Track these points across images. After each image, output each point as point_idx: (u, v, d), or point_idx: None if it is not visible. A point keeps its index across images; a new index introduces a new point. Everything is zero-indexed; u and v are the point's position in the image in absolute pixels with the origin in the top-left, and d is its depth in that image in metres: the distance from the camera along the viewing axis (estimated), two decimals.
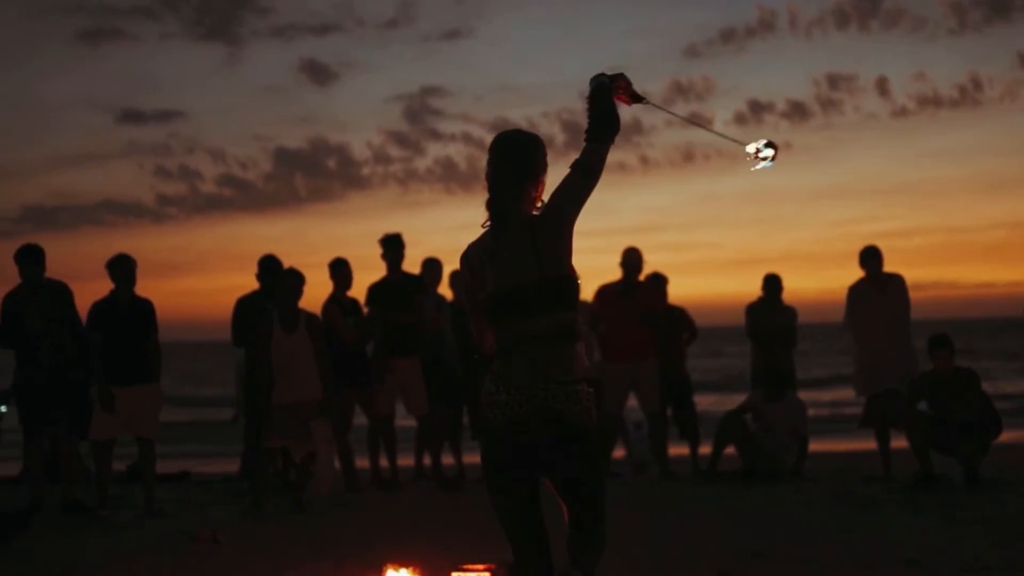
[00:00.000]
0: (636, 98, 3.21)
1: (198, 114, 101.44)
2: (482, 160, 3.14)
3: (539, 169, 3.10)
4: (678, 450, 9.74)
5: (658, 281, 9.14)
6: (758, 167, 3.33)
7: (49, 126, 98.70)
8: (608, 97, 3.09)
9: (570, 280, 3.01)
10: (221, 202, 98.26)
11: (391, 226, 8.79)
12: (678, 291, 9.46)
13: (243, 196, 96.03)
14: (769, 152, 3.30)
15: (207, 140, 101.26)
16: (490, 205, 3.06)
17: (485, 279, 3.05)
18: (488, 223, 3.09)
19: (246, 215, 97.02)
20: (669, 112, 3.38)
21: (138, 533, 6.60)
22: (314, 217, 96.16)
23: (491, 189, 3.07)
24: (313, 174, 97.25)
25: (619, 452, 9.93)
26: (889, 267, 8.55)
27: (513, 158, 3.07)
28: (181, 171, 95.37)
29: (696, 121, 3.40)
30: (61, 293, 7.41)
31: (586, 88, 3.11)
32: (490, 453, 3.08)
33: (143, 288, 7.58)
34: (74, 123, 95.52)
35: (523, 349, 2.99)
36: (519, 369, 2.99)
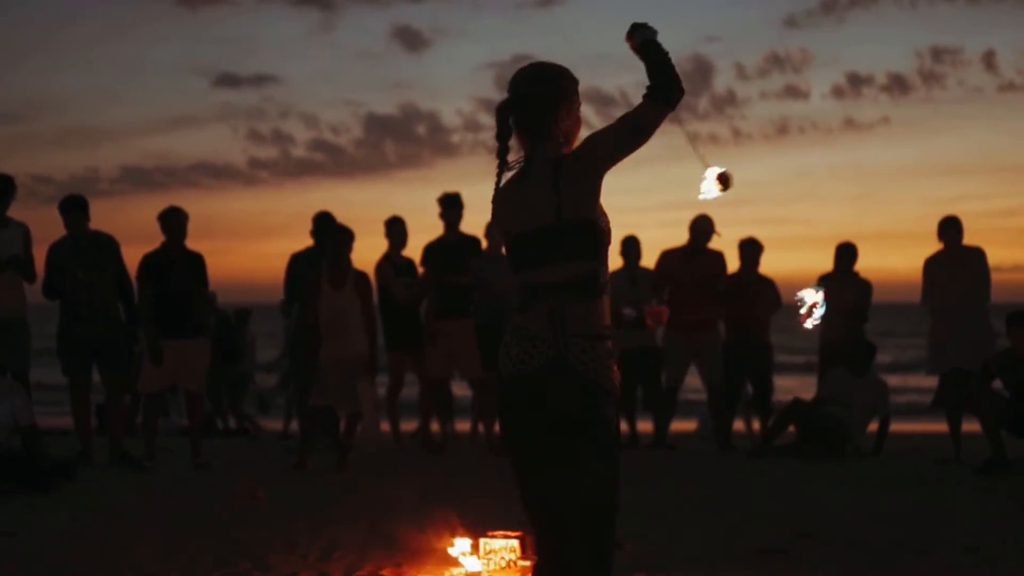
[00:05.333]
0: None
1: (292, 79, 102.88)
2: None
3: (558, 100, 2.82)
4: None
5: (750, 248, 8.76)
6: (707, 195, 2.90)
7: (147, 89, 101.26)
8: (662, 50, 2.73)
9: (593, 226, 2.74)
10: (312, 166, 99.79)
11: (480, 194, 8.52)
12: (768, 266, 9.18)
13: (333, 161, 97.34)
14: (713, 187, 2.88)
15: (300, 105, 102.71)
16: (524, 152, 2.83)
17: (504, 224, 2.85)
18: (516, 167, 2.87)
19: (336, 180, 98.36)
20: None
21: (181, 487, 6.63)
22: (402, 184, 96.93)
23: (518, 135, 2.84)
24: (403, 140, 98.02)
25: (677, 425, 9.70)
26: (989, 248, 8.10)
27: (528, 98, 2.82)
28: (273, 135, 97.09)
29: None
30: (106, 245, 7.38)
31: (679, 57, 2.78)
32: (501, 411, 2.86)
33: (235, 248, 7.59)
34: (171, 86, 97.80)
35: (540, 298, 2.75)
36: (536, 320, 2.75)
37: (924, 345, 8.50)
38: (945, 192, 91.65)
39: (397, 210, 8.45)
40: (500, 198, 2.87)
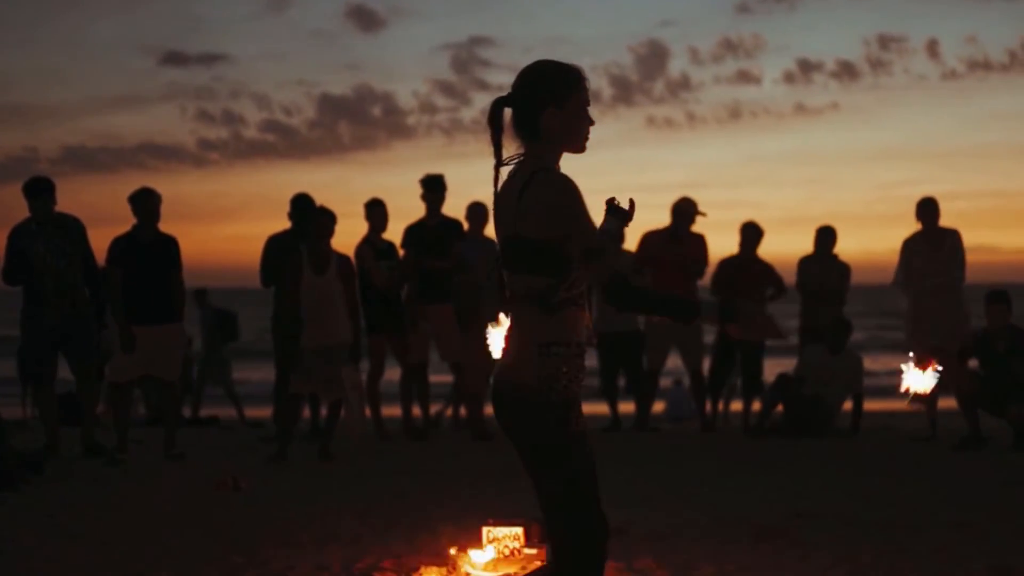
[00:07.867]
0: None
1: (243, 58, 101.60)
2: None
3: (546, 100, 2.73)
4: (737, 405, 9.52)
5: (750, 231, 8.72)
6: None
7: (91, 67, 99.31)
8: (675, 306, 2.74)
9: (551, 246, 2.67)
10: (264, 148, 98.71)
11: None
12: (720, 249, 9.22)
13: (286, 142, 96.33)
14: None
15: (251, 85, 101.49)
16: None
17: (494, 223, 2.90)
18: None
19: (289, 162, 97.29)
20: None
21: (156, 478, 6.43)
22: (357, 166, 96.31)
23: (511, 132, 2.82)
24: (358, 122, 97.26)
25: (659, 407, 9.72)
26: None
27: (516, 96, 2.77)
28: (224, 116, 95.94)
29: None
30: (72, 228, 7.10)
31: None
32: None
33: (185, 232, 7.37)
34: (116, 64, 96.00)
35: (507, 305, 2.80)
36: (504, 325, 2.83)
37: (871, 327, 8.61)
38: (891, 176, 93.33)
39: (352, 193, 8.46)
40: (497, 194, 2.83)
